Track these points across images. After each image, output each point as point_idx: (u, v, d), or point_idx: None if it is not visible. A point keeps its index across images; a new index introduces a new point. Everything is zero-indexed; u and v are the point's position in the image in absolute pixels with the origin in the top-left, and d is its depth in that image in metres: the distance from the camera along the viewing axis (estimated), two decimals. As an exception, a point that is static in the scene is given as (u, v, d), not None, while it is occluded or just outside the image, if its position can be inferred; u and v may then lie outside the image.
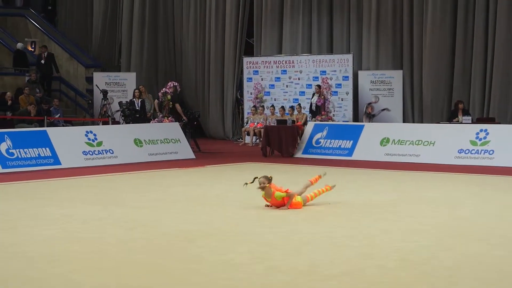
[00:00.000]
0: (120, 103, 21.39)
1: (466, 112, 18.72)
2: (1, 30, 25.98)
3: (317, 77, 21.53)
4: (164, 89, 19.13)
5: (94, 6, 27.05)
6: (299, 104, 21.13)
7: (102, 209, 9.60)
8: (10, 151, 14.57)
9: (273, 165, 15.36)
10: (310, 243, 7.32)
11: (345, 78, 21.40)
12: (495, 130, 15.83)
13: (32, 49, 26.41)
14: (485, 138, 15.67)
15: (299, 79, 22.16)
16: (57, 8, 28.95)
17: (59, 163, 15.06)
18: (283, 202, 9.43)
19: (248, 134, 21.76)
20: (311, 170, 14.26)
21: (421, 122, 20.42)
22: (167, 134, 17.23)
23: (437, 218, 8.85)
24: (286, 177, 12.31)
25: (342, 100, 21.42)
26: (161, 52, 25.93)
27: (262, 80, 22.69)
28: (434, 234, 7.82)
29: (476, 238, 7.64)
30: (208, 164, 15.86)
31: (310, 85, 21.46)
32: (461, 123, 17.92)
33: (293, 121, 19.01)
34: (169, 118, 18.45)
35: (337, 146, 17.27)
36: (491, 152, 15.44)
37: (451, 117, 18.84)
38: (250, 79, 22.95)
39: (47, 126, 18.55)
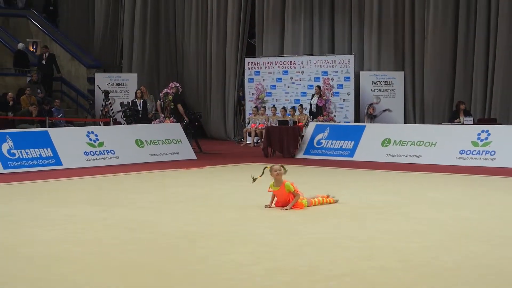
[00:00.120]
0: (121, 104, 21.41)
1: (467, 113, 18.72)
2: (3, 31, 26.01)
3: (319, 78, 21.54)
4: (165, 89, 19.14)
5: (95, 7, 27.08)
6: (301, 105, 21.14)
7: (104, 209, 9.60)
8: (12, 151, 14.57)
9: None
10: (311, 244, 7.31)
11: (347, 78, 21.41)
12: (496, 131, 15.82)
13: (34, 50, 26.45)
14: (486, 139, 15.66)
15: (300, 80, 22.17)
16: (59, 9, 28.98)
17: (61, 164, 15.07)
18: (287, 198, 9.40)
19: (250, 134, 21.77)
20: (313, 171, 14.26)
21: (423, 123, 20.43)
22: (168, 135, 17.23)
23: (438, 219, 8.84)
24: (287, 177, 12.27)
25: (343, 101, 21.43)
26: (162, 53, 25.95)
27: (263, 80, 22.70)
28: (436, 235, 7.81)
29: (478, 239, 7.63)
30: (210, 164, 15.86)
31: (312, 85, 21.46)
32: (463, 124, 17.91)
33: (295, 122, 19.02)
34: (171, 119, 18.46)
35: (339, 147, 17.26)
36: (492, 153, 15.43)
37: (452, 118, 18.84)
38: (251, 80, 22.96)
39: (49, 127, 18.60)
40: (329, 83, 20.59)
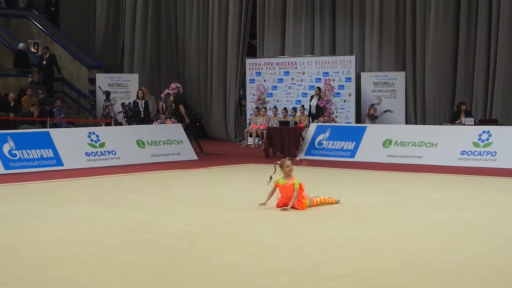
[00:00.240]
0: (122, 104, 21.42)
1: (468, 114, 18.71)
2: (4, 32, 26.03)
3: (320, 79, 21.55)
4: (166, 90, 19.15)
5: (97, 8, 27.09)
6: (302, 106, 21.14)
7: (105, 210, 9.61)
8: (13, 152, 14.58)
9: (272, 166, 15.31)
10: (311, 244, 7.31)
11: (348, 79, 21.41)
12: (497, 132, 15.81)
13: (35, 50, 26.47)
14: (487, 139, 15.66)
15: (301, 81, 22.16)
16: (60, 9, 29.00)
17: (62, 164, 15.07)
18: (292, 195, 9.40)
19: (251, 135, 21.77)
20: (314, 172, 14.25)
21: (424, 123, 20.41)
22: (169, 136, 17.24)
23: (439, 219, 8.84)
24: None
25: (344, 102, 21.43)
26: (163, 54, 25.96)
27: (264, 81, 22.70)
28: (436, 235, 7.82)
29: (479, 239, 7.63)
30: (211, 165, 15.86)
31: (313, 86, 21.46)
32: (464, 124, 17.90)
33: (296, 123, 19.01)
34: (172, 120, 18.46)
35: (340, 148, 17.26)
36: (493, 153, 15.43)
37: (453, 119, 18.82)
38: (252, 81, 22.96)
39: (50, 127, 18.60)
40: (330, 84, 20.60)
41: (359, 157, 16.80)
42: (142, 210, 9.62)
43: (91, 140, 15.83)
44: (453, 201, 10.57)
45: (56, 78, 24.78)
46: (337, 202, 9.98)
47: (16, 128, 18.76)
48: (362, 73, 21.67)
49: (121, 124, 20.46)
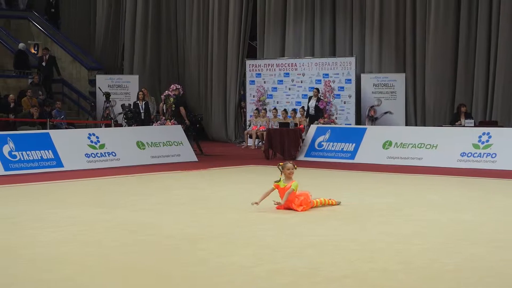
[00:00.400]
0: (122, 106, 21.43)
1: (468, 115, 18.71)
2: (4, 33, 26.03)
3: (320, 80, 21.55)
4: (167, 91, 19.16)
5: (97, 9, 27.09)
6: (302, 107, 21.14)
7: (105, 211, 9.61)
8: (13, 153, 14.58)
9: (275, 168, 15.31)
10: (312, 246, 7.32)
11: (348, 81, 21.41)
12: (497, 134, 15.81)
13: (35, 52, 26.47)
14: (487, 141, 15.66)
15: (301, 82, 22.17)
16: (60, 11, 28.99)
17: (62, 166, 15.07)
18: (292, 197, 9.42)
19: (251, 137, 21.78)
20: (313, 173, 14.26)
21: (424, 125, 20.42)
22: (169, 137, 17.24)
23: (439, 221, 8.84)
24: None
25: (344, 103, 21.43)
26: (164, 55, 25.97)
27: (264, 83, 22.71)
28: (436, 237, 7.82)
29: (479, 241, 7.63)
30: (211, 167, 15.86)
31: (313, 88, 21.46)
32: (464, 126, 17.91)
33: (296, 124, 19.01)
34: (172, 121, 18.47)
35: (340, 149, 17.27)
36: (493, 155, 15.43)
37: (453, 120, 18.83)
38: (252, 82, 22.97)
39: (50, 129, 18.60)
40: (330, 86, 20.60)
41: (359, 158, 16.81)
42: (142, 212, 9.62)
43: (91, 141, 15.83)
44: (453, 202, 10.57)
45: (56, 79, 24.78)
46: (338, 203, 9.99)
47: (16, 129, 18.77)
48: (362, 75, 21.68)
49: (121, 125, 20.47)
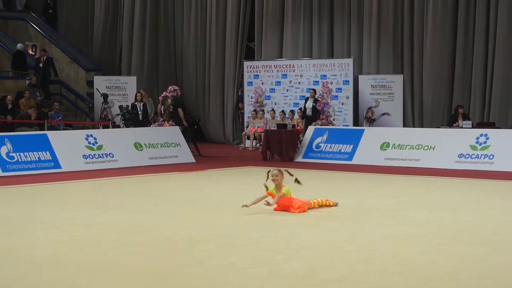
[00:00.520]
0: (120, 107, 21.41)
1: (466, 117, 18.73)
2: (2, 34, 26.02)
3: (318, 81, 21.56)
4: (164, 93, 19.15)
5: (95, 10, 27.08)
6: (300, 108, 21.14)
7: (103, 213, 9.60)
8: (10, 154, 14.57)
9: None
10: (309, 247, 7.31)
11: (346, 82, 21.42)
12: (495, 135, 15.83)
13: (33, 53, 26.45)
14: (485, 142, 15.67)
15: (299, 83, 22.17)
16: (58, 12, 28.96)
17: (59, 167, 15.05)
18: (286, 202, 9.43)
19: (248, 138, 21.77)
20: (311, 174, 14.26)
21: (421, 126, 20.43)
22: (167, 138, 17.23)
23: (437, 223, 8.85)
24: (286, 181, 12.28)
25: (342, 105, 21.43)
26: (161, 56, 25.96)
27: (262, 84, 22.70)
28: (434, 239, 7.82)
29: (477, 243, 7.63)
30: (208, 168, 15.86)
31: (311, 89, 21.47)
32: (461, 127, 17.92)
33: (293, 125, 19.02)
34: (169, 122, 18.46)
35: (337, 151, 17.28)
36: (491, 156, 15.44)
37: (451, 122, 18.85)
38: (250, 83, 22.97)
39: (48, 130, 18.58)
40: (328, 87, 20.60)
41: (356, 160, 16.81)
42: (140, 213, 9.62)
43: (89, 142, 15.82)
44: (451, 204, 10.58)
45: (52, 80, 24.77)
46: (335, 204, 9.99)
47: (13, 131, 18.74)
48: (360, 76, 21.68)
49: (118, 126, 20.46)
